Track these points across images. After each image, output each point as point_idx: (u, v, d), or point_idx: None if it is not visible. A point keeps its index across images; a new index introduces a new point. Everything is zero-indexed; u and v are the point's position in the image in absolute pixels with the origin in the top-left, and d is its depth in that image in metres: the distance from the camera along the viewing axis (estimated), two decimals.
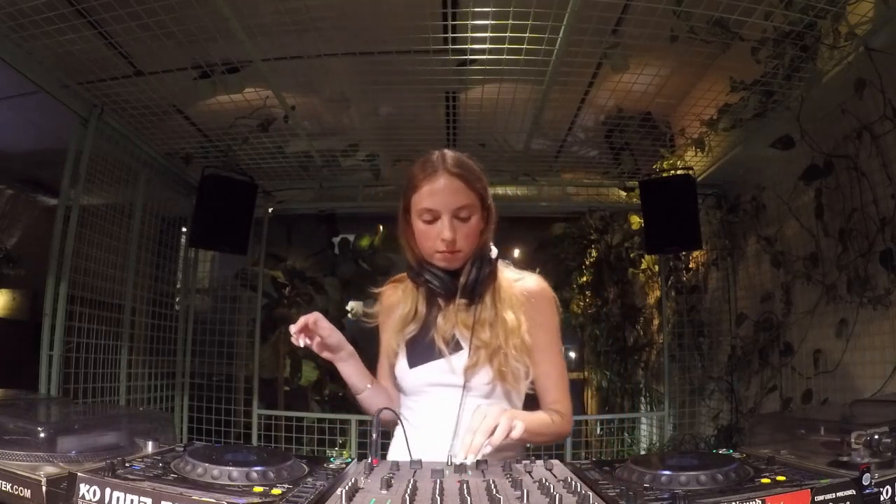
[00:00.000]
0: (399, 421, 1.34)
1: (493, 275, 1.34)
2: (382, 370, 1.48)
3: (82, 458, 0.93)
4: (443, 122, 3.24)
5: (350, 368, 1.39)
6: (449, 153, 1.32)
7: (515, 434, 1.10)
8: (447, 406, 1.31)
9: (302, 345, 1.30)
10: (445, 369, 1.32)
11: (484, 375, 1.30)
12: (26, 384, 2.68)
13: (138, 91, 2.78)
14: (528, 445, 1.43)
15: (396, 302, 1.43)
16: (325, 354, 1.35)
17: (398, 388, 1.42)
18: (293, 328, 1.29)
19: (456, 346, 1.33)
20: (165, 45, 2.39)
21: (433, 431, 1.31)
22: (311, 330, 1.30)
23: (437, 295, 1.37)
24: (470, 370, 1.29)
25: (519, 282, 1.38)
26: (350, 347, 1.38)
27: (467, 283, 1.31)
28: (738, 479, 0.86)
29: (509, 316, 1.32)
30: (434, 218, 1.27)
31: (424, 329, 1.37)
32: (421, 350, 1.36)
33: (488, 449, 1.07)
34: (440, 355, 1.33)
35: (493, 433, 1.08)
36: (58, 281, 2.71)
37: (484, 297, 1.33)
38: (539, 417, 1.31)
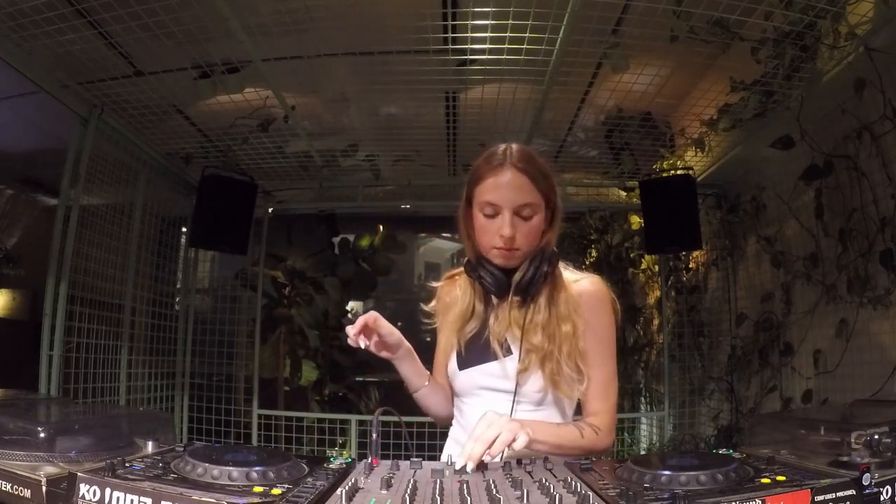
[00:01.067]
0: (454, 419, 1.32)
1: (551, 275, 1.28)
2: (439, 367, 1.44)
3: (82, 458, 0.93)
4: (443, 122, 3.24)
5: (408, 366, 1.35)
6: (517, 147, 1.26)
7: (517, 446, 1.05)
8: (496, 410, 1.27)
9: (363, 346, 1.24)
10: (496, 373, 1.28)
11: (535, 382, 1.25)
12: (26, 384, 2.68)
13: (138, 91, 2.78)
14: None
15: (454, 299, 1.38)
16: (384, 354, 1.31)
17: (452, 387, 1.39)
18: (351, 330, 1.23)
19: (507, 350, 1.29)
20: (165, 45, 2.39)
21: None
22: (371, 329, 1.25)
23: (490, 293, 1.33)
24: (521, 375, 1.25)
25: (576, 283, 1.32)
26: (408, 345, 1.34)
27: (522, 281, 1.26)
28: (738, 479, 0.86)
29: (564, 319, 1.26)
30: (495, 212, 1.23)
31: (481, 328, 1.33)
32: (473, 351, 1.32)
33: (489, 458, 1.04)
34: (492, 358, 1.29)
35: (493, 444, 1.04)
36: (58, 281, 2.71)
37: (538, 298, 1.27)
38: (563, 431, 1.22)
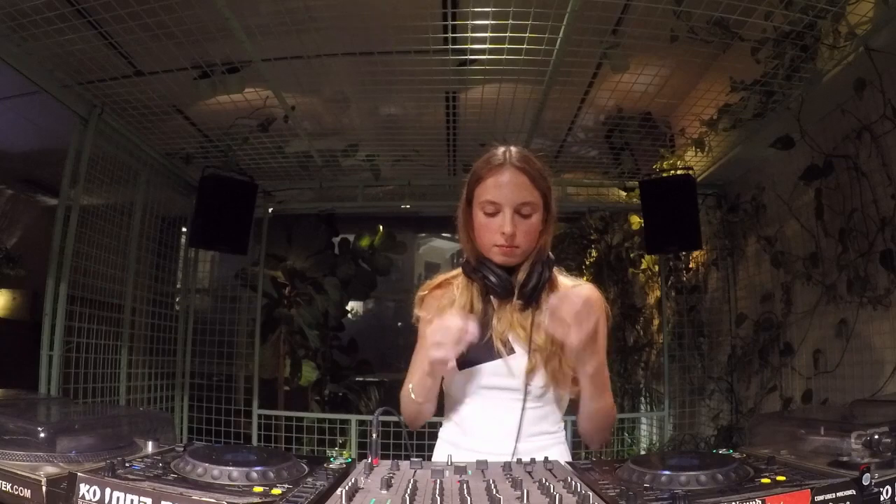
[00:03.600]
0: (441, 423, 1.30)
1: (551, 280, 1.33)
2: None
3: (82, 458, 0.93)
4: (443, 122, 3.24)
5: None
6: (516, 149, 1.30)
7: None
8: (501, 408, 1.29)
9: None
10: (501, 372, 1.30)
11: (539, 379, 1.28)
12: (26, 384, 2.68)
13: (138, 91, 2.78)
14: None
15: (448, 304, 1.36)
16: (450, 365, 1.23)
17: (447, 389, 1.37)
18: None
19: (510, 349, 1.30)
20: (165, 45, 2.39)
21: (488, 435, 1.28)
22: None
23: (491, 293, 1.34)
24: (530, 374, 1.27)
25: (574, 288, 1.35)
26: None
27: (527, 287, 1.29)
28: (738, 479, 0.86)
29: (563, 322, 1.28)
30: (496, 210, 1.26)
31: (481, 329, 1.30)
32: (472, 351, 1.29)
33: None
34: (496, 356, 1.30)
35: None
36: (58, 281, 2.71)
37: (540, 301, 1.31)
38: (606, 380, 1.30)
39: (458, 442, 1.33)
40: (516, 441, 1.26)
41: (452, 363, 1.21)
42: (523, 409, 1.27)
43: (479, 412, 1.32)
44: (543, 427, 1.31)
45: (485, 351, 1.31)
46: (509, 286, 1.30)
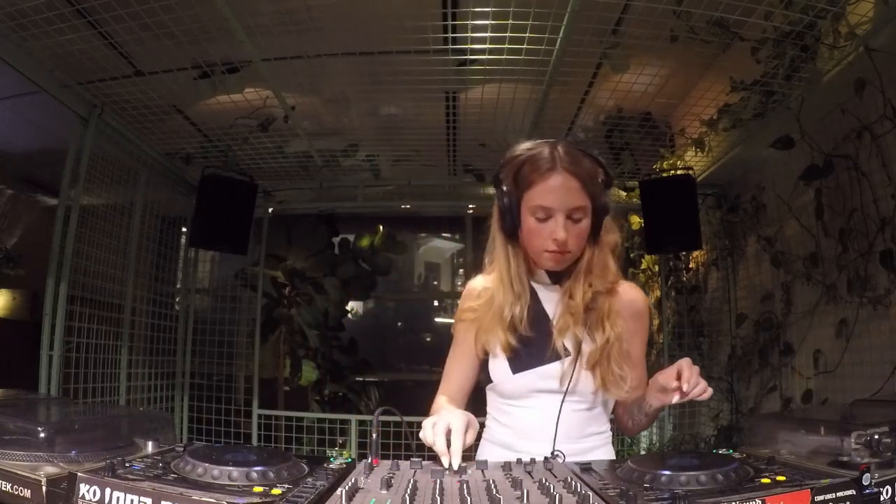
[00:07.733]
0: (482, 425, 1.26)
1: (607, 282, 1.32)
2: (461, 370, 1.38)
3: (82, 458, 0.93)
4: (443, 122, 3.24)
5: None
6: (563, 149, 1.25)
7: (706, 395, 1.17)
8: (554, 411, 1.28)
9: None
10: (551, 375, 1.29)
11: (589, 383, 1.28)
12: (26, 384, 2.68)
13: (138, 91, 2.78)
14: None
15: (495, 299, 1.34)
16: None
17: (496, 391, 1.35)
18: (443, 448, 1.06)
19: (560, 353, 1.29)
20: (165, 45, 2.39)
21: (539, 437, 1.27)
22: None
23: (541, 296, 1.34)
24: (576, 377, 1.27)
25: (622, 288, 1.35)
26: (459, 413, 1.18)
27: (577, 293, 1.29)
28: (738, 479, 0.86)
29: (615, 323, 1.29)
30: (547, 216, 1.23)
31: (533, 332, 1.31)
32: (524, 354, 1.31)
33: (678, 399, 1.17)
34: (547, 361, 1.29)
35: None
36: (58, 281, 2.71)
37: (593, 303, 1.30)
38: None
39: (510, 444, 1.31)
40: (576, 443, 1.27)
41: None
42: (560, 411, 1.27)
43: (533, 415, 1.30)
44: (594, 428, 1.32)
45: (536, 355, 1.30)
46: (558, 289, 1.33)
